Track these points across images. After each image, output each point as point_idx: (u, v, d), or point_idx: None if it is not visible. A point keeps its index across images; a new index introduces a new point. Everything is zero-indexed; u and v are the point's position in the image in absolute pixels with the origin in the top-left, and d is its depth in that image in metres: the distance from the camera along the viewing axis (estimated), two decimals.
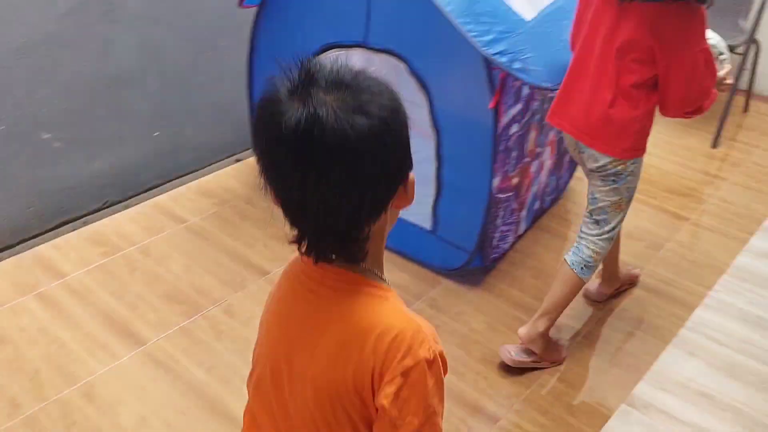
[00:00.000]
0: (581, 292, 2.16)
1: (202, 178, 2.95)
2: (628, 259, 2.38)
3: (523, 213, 2.45)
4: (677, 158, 3.16)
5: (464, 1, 1.89)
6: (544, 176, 2.50)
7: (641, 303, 2.31)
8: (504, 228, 2.32)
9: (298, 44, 2.29)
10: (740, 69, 3.28)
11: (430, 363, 0.80)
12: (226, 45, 2.91)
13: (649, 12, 1.55)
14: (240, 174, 2.98)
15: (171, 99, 2.81)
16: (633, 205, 1.89)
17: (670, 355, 1.99)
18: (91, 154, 2.65)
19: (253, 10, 2.43)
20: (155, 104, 2.77)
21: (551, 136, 2.42)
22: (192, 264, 2.42)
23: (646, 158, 1.82)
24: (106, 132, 2.66)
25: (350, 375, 0.81)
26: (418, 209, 2.39)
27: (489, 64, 1.92)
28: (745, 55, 3.26)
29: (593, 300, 2.26)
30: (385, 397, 0.79)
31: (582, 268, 1.88)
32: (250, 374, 0.98)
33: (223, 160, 3.10)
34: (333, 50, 2.21)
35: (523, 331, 1.96)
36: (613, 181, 1.78)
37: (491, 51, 1.85)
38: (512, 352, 1.98)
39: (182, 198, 2.81)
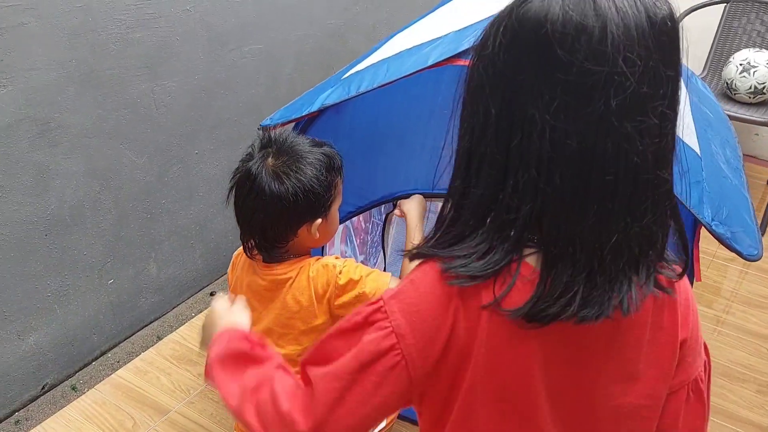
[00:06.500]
0: None
1: (174, 333, 2.23)
2: None
3: None
4: None
5: None
6: None
7: None
8: None
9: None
10: None
11: None
12: (199, 152, 2.22)
13: None
14: None
15: (129, 233, 2.09)
16: None
17: None
18: (24, 328, 1.89)
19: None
20: (108, 243, 2.04)
21: None
22: None
23: None
24: (44, 294, 1.90)
25: None
26: None
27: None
28: None
29: None
30: None
31: None
32: None
33: (194, 295, 2.40)
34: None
35: None
36: None
37: (706, 217, 1.29)
38: None
39: (152, 369, 2.08)
